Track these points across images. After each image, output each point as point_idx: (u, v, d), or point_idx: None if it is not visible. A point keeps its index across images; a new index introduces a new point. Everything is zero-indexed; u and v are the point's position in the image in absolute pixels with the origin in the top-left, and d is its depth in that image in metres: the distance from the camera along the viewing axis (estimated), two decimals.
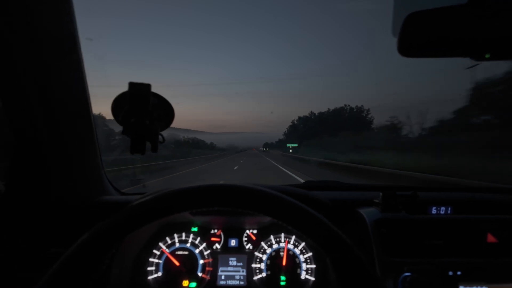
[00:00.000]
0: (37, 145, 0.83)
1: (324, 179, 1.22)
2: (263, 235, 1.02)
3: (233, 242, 1.02)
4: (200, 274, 0.97)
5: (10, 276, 0.81)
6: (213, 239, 1.02)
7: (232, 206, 0.50)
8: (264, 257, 0.99)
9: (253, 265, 0.98)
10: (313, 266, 0.97)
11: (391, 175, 9.72)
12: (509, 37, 0.54)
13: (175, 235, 1.00)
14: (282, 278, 0.96)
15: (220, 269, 0.99)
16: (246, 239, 1.02)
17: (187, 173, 14.06)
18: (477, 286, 0.74)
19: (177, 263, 0.97)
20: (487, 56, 0.57)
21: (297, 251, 0.99)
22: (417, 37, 0.59)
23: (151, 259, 0.97)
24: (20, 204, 0.85)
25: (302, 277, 0.96)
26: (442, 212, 0.85)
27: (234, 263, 0.99)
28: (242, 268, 0.99)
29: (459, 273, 0.74)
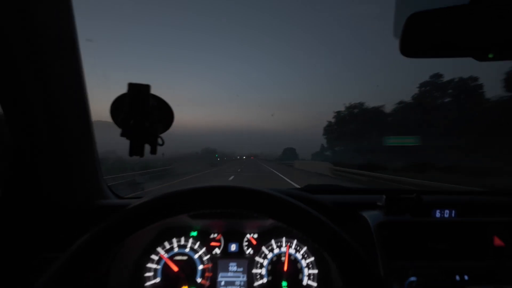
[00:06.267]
0: (35, 147, 0.81)
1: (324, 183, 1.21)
2: (264, 240, 1.00)
3: (233, 247, 1.00)
4: (199, 280, 0.95)
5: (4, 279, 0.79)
6: (212, 243, 1.00)
7: (238, 208, 0.49)
8: (265, 262, 0.97)
9: (254, 271, 0.96)
10: (315, 271, 0.95)
11: None
12: None
13: (174, 240, 0.98)
14: (284, 284, 0.94)
15: (220, 274, 0.96)
16: (246, 243, 1.00)
17: None
18: None
19: (175, 269, 0.94)
20: (490, 56, 0.56)
21: (299, 256, 0.97)
22: (419, 37, 0.59)
23: (149, 265, 0.95)
24: (16, 208, 0.83)
25: (304, 282, 0.94)
26: (446, 215, 0.83)
27: (234, 268, 0.97)
28: (243, 273, 0.96)
29: (466, 277, 0.73)
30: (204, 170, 23.67)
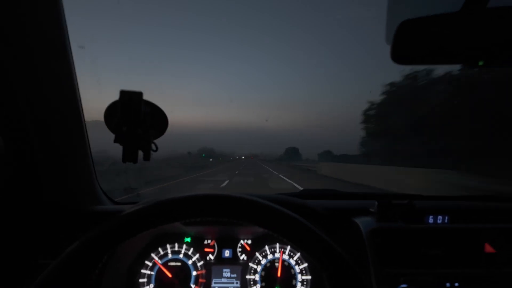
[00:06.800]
0: (28, 152, 0.81)
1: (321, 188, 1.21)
2: (257, 246, 0.99)
3: (227, 253, 0.99)
4: (193, 286, 0.94)
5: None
6: (206, 249, 0.99)
7: (222, 217, 0.48)
8: (259, 268, 0.97)
9: (248, 277, 0.96)
10: (309, 277, 0.95)
11: None
12: (502, 44, 0.54)
13: (168, 246, 0.98)
14: None
15: (214, 280, 0.96)
16: (240, 249, 1.00)
17: None
18: None
19: (169, 275, 0.94)
20: (480, 63, 0.56)
21: (292, 261, 0.97)
22: (410, 45, 0.58)
23: (143, 271, 0.94)
24: (10, 213, 0.83)
25: None
26: (439, 221, 0.83)
27: (228, 274, 0.97)
28: (236, 279, 0.96)
29: (457, 284, 0.73)
30: (174, 178, 14.70)
